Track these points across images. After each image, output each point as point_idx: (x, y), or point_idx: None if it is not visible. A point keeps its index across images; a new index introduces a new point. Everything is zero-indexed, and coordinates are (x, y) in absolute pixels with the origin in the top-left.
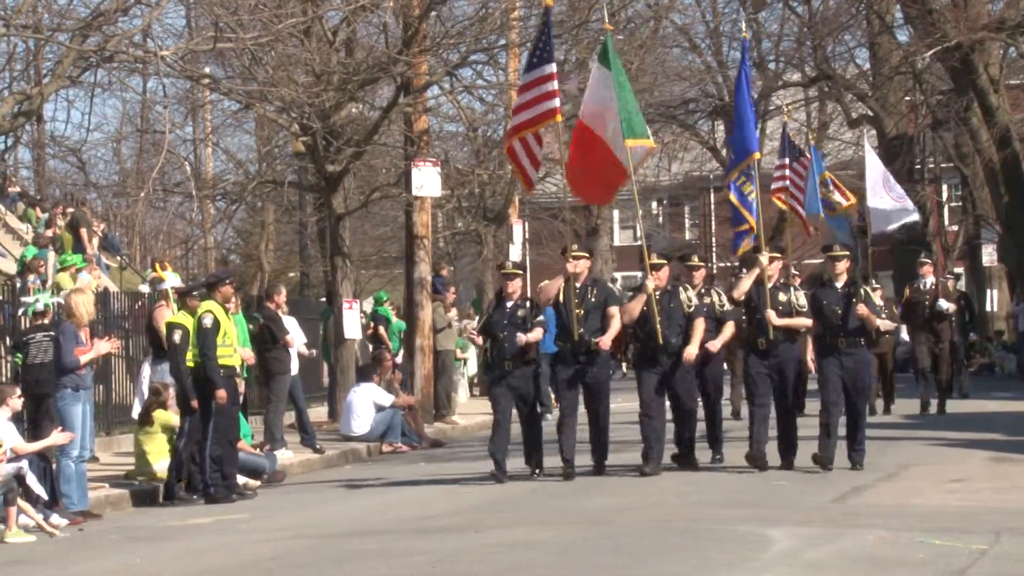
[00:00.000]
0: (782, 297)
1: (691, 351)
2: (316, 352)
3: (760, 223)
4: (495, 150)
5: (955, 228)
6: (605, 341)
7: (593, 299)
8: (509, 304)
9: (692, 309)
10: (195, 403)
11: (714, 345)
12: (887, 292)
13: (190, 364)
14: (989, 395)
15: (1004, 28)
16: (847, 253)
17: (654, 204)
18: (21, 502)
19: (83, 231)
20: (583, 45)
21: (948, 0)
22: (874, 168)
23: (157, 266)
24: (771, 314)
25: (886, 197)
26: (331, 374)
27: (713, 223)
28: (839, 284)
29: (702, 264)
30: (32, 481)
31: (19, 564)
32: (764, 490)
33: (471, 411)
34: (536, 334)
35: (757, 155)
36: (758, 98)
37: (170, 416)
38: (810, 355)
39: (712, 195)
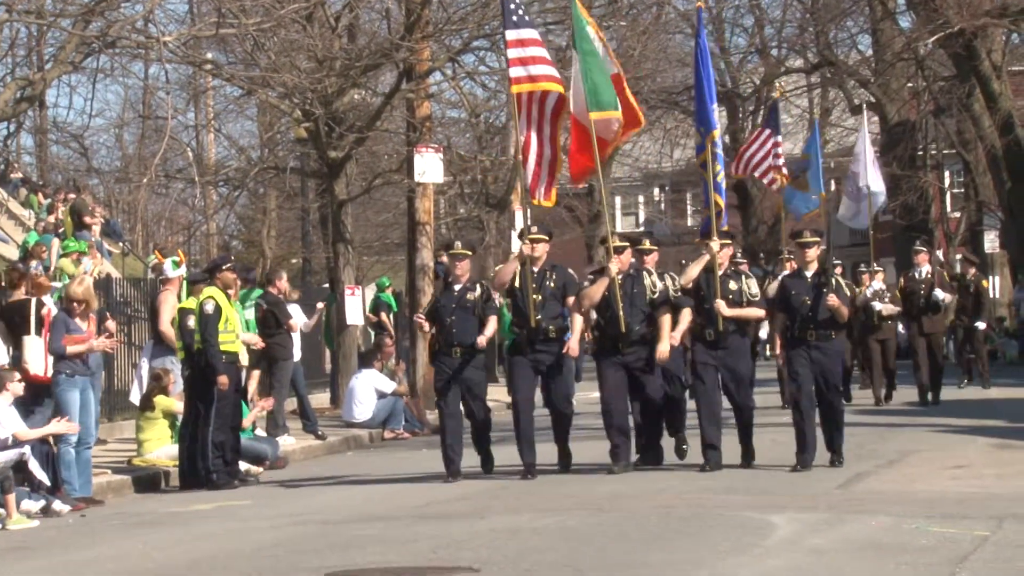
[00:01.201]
0: (733, 285)
1: (662, 349)
2: (317, 317)
3: (713, 205)
4: (497, 136)
5: (957, 215)
6: (573, 348)
7: (552, 285)
8: (457, 287)
9: (656, 295)
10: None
11: (674, 338)
12: (889, 278)
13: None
14: (991, 381)
15: (1007, 14)
16: (817, 240)
17: (656, 191)
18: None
19: (85, 217)
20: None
21: None
22: (866, 151)
23: (158, 253)
24: (720, 303)
25: (878, 179)
26: (333, 360)
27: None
28: (809, 273)
29: (654, 248)
30: (34, 467)
31: (21, 550)
32: (767, 477)
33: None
34: (492, 328)
35: (716, 133)
36: (760, 84)
37: (171, 402)
38: (779, 349)
39: None
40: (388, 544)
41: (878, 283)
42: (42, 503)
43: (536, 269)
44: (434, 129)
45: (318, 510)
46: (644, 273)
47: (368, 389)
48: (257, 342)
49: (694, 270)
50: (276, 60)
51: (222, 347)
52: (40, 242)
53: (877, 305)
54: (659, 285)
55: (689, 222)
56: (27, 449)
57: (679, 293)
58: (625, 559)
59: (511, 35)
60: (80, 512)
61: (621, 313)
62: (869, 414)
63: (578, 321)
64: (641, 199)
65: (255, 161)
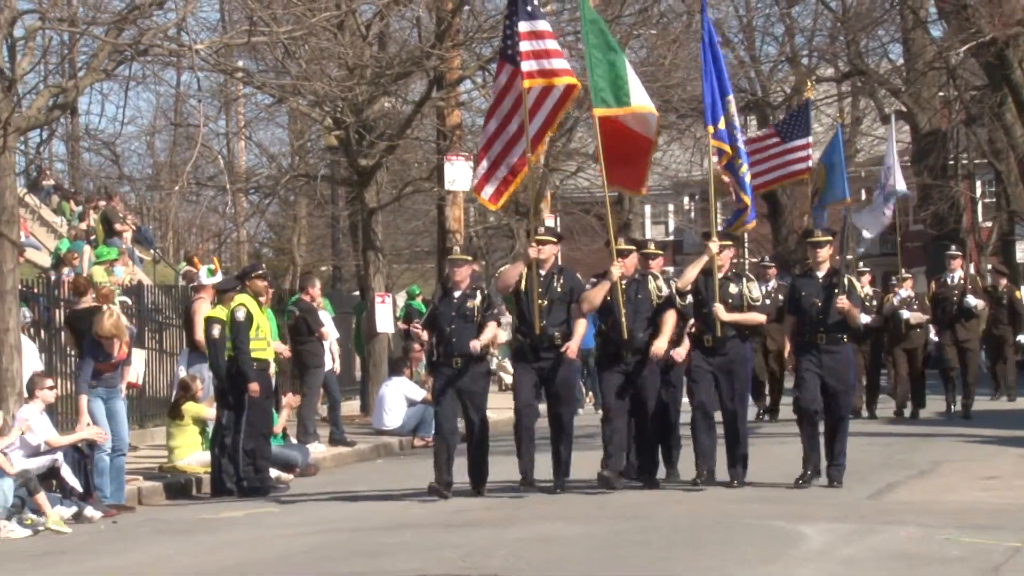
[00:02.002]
0: (733, 289)
1: (660, 345)
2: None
3: (713, 202)
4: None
5: (988, 224)
6: (572, 349)
7: (559, 289)
8: (456, 294)
9: (662, 300)
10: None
11: (679, 354)
12: (919, 287)
13: (227, 358)
14: (1021, 391)
15: None
16: (829, 239)
17: (686, 199)
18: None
19: (116, 224)
20: (615, 39)
21: None
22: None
23: (196, 260)
24: (718, 308)
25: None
26: (363, 368)
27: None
28: (820, 273)
29: (659, 252)
30: (67, 473)
31: (53, 555)
32: (798, 486)
33: (502, 405)
34: (489, 333)
35: (711, 129)
36: (790, 93)
37: (201, 408)
38: (787, 351)
39: None
40: (416, 552)
41: (906, 291)
42: (74, 509)
43: (543, 272)
44: (464, 137)
45: (347, 517)
46: (649, 278)
47: (398, 396)
48: (284, 351)
49: (692, 272)
50: (307, 68)
51: (253, 354)
52: (72, 249)
53: (905, 313)
54: (665, 291)
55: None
56: (60, 456)
57: (679, 299)
58: (652, 568)
59: (524, 27)
60: (112, 518)
61: (623, 319)
62: (901, 423)
63: (580, 325)
64: (671, 208)
65: (286, 169)
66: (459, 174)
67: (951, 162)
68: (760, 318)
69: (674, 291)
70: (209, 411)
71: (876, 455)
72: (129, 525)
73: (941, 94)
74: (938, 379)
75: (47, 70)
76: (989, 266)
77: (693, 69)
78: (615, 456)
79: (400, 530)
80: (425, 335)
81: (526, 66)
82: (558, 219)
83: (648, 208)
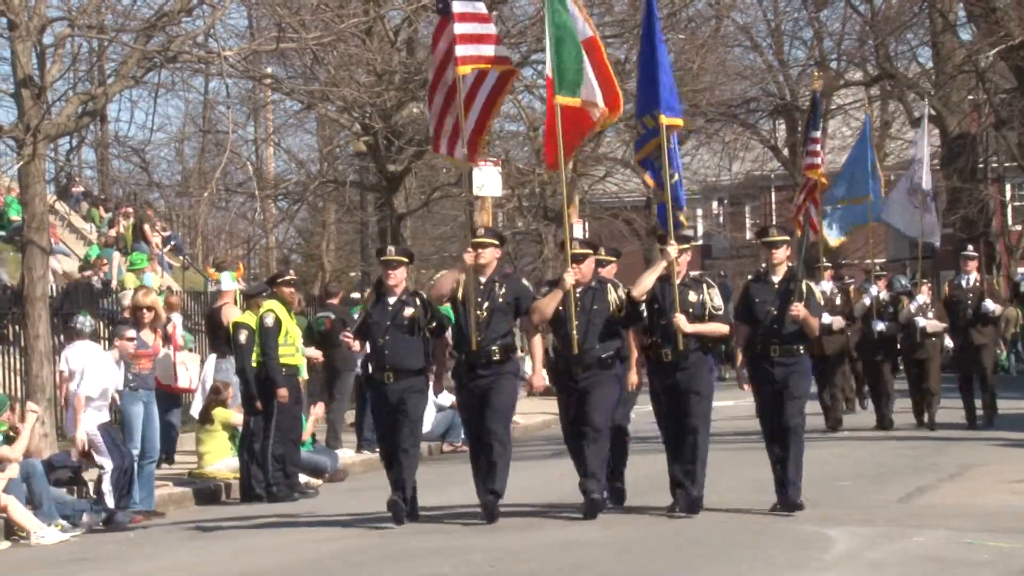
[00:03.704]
0: (693, 297)
1: (633, 380)
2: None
3: (669, 199)
4: None
5: (1019, 228)
6: (538, 385)
7: (500, 299)
8: (391, 300)
9: (624, 314)
10: (259, 404)
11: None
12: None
13: (254, 364)
14: None
15: None
16: (786, 239)
17: (715, 204)
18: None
19: (145, 225)
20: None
21: None
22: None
23: (211, 271)
24: (680, 319)
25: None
26: None
27: (774, 223)
28: (776, 278)
29: (611, 259)
30: (107, 487)
31: (82, 562)
32: (825, 490)
33: (531, 411)
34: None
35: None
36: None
37: (230, 414)
38: (740, 368)
39: (773, 195)
40: (444, 556)
41: (923, 296)
42: (104, 515)
43: (483, 279)
44: (493, 142)
45: (375, 522)
46: (609, 287)
47: (428, 403)
48: (317, 356)
49: (649, 279)
50: (335, 74)
51: (281, 360)
52: (101, 255)
53: (921, 321)
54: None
55: (748, 235)
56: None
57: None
58: (680, 572)
59: (460, 7)
60: (142, 524)
61: (574, 332)
62: (926, 426)
63: (538, 344)
64: (700, 212)
65: (314, 175)
66: (487, 179)
67: (980, 165)
68: (724, 329)
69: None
70: (238, 417)
71: (904, 459)
72: (159, 531)
73: (970, 97)
74: (952, 383)
75: (76, 77)
76: (1021, 269)
77: (720, 73)
78: (595, 478)
79: (429, 535)
80: (356, 345)
81: (460, 50)
82: (586, 224)
83: None
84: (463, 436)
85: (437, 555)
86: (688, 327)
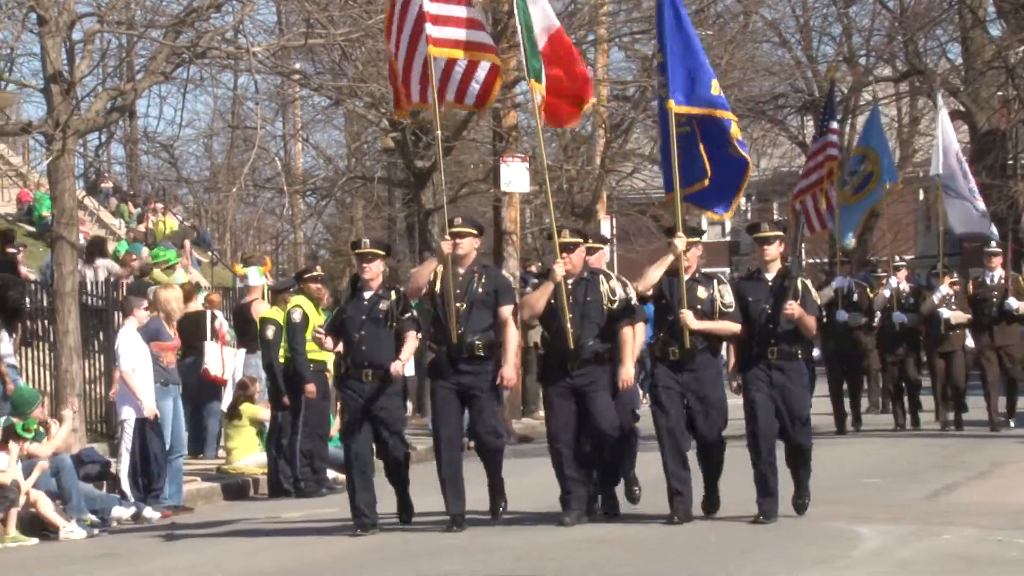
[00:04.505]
0: (702, 293)
1: (625, 376)
2: None
3: (678, 189)
4: (583, 146)
5: None
6: (508, 377)
7: (480, 290)
8: (367, 295)
9: (616, 305)
10: (286, 399)
11: (625, 381)
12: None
13: (282, 360)
14: None
15: None
16: (779, 234)
17: (743, 200)
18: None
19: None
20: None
21: None
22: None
23: (237, 267)
24: (687, 315)
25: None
26: (418, 369)
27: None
28: (769, 275)
29: (598, 246)
30: (123, 472)
31: (109, 557)
32: (854, 487)
33: None
34: (410, 348)
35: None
36: (848, 92)
37: (257, 410)
38: (731, 370)
39: None
40: (471, 553)
41: (945, 287)
42: (133, 510)
43: (461, 270)
44: (520, 138)
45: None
46: (601, 278)
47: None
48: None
49: (655, 273)
50: (364, 70)
51: (309, 355)
52: (130, 251)
53: (945, 312)
54: (619, 293)
55: None
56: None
57: (633, 302)
58: (708, 570)
59: None
60: (170, 519)
61: (569, 326)
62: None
63: (512, 337)
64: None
65: (342, 171)
66: (515, 175)
67: (1010, 162)
68: (734, 327)
69: (628, 294)
70: (265, 412)
71: (934, 456)
72: (187, 526)
73: (1000, 93)
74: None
75: (105, 73)
76: None
77: (749, 70)
78: (574, 492)
79: (453, 532)
80: (329, 342)
81: (434, 32)
82: (614, 220)
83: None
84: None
85: (464, 552)
86: (695, 324)
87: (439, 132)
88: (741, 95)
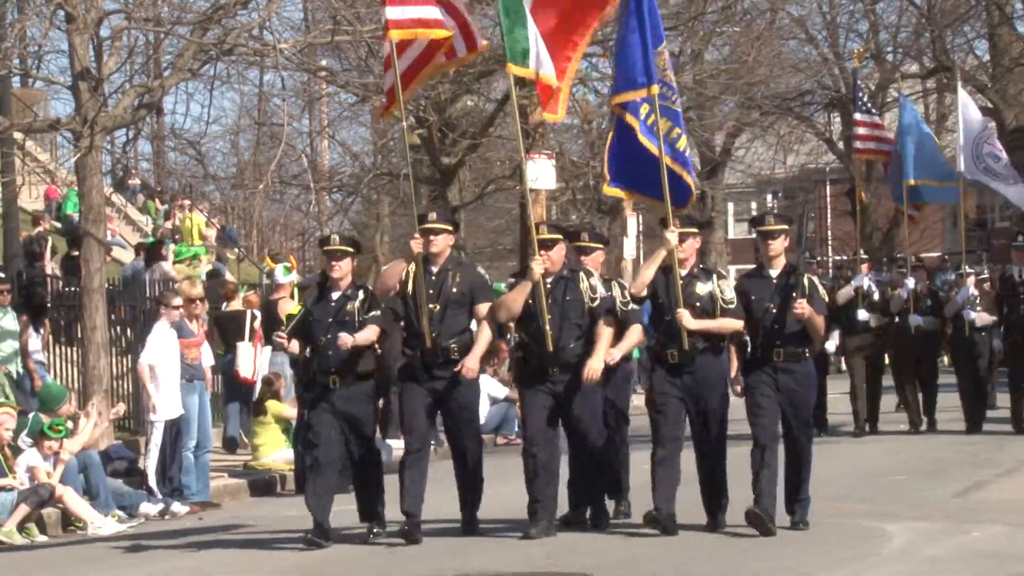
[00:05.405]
0: (701, 289)
1: (594, 365)
2: None
3: (666, 181)
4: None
5: None
6: (469, 367)
7: (455, 290)
8: (335, 295)
9: (596, 303)
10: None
11: (611, 355)
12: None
13: None
14: None
15: None
16: (784, 227)
17: (769, 196)
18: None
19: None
20: (699, 37)
21: None
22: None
23: (269, 260)
24: (684, 314)
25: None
26: None
27: (829, 216)
28: (774, 272)
29: (597, 246)
30: (150, 468)
31: (135, 552)
32: (881, 485)
33: None
34: (369, 333)
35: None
36: (875, 89)
37: (283, 407)
38: (734, 371)
39: (828, 188)
40: (502, 549)
41: (970, 288)
42: (160, 506)
43: (435, 269)
44: (547, 135)
45: (431, 514)
46: (581, 276)
47: (483, 396)
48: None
49: (648, 271)
50: None
51: None
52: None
53: (971, 314)
54: (600, 291)
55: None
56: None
57: (629, 305)
58: (737, 567)
59: None
60: (197, 515)
61: (548, 327)
62: (987, 421)
63: (484, 335)
64: (754, 205)
65: (368, 167)
66: (541, 172)
67: None
68: (736, 324)
69: (619, 294)
70: (291, 411)
71: (961, 454)
72: (214, 522)
73: None
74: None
75: (133, 70)
76: None
77: (776, 66)
78: (543, 501)
79: (485, 527)
80: (295, 346)
81: (392, 13)
82: (640, 217)
83: (731, 206)
84: (517, 429)
85: (495, 547)
86: (693, 323)
87: (405, 125)
88: (768, 92)
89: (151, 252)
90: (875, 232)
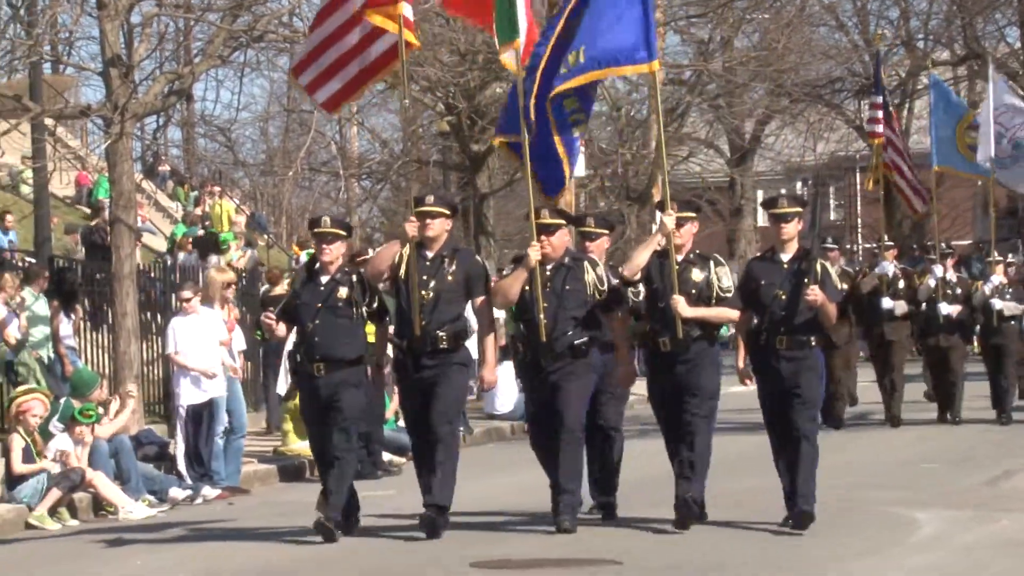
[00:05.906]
0: (697, 276)
1: (625, 376)
2: None
3: (664, 159)
4: (638, 130)
5: None
6: (488, 376)
7: (450, 278)
8: (324, 279)
9: (604, 294)
10: None
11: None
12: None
13: None
14: None
15: None
16: (798, 210)
17: (799, 184)
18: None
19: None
20: (728, 24)
21: None
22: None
23: (296, 248)
24: (679, 301)
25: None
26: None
27: (859, 204)
28: (785, 257)
29: (603, 231)
30: (180, 453)
31: (165, 537)
32: (914, 473)
33: None
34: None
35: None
36: (906, 76)
37: None
38: (741, 361)
39: (858, 175)
40: (530, 536)
41: (998, 276)
42: (190, 491)
43: (430, 254)
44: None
45: (461, 501)
46: (586, 266)
47: (510, 381)
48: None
49: (642, 255)
50: (419, 54)
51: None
52: (187, 234)
53: (998, 303)
54: (608, 282)
55: (832, 216)
56: (179, 444)
57: (627, 287)
58: (766, 555)
59: None
60: (228, 500)
61: (542, 316)
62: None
63: (490, 339)
64: (783, 192)
65: (398, 154)
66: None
67: None
68: (732, 314)
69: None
70: None
71: (992, 442)
72: (244, 507)
73: None
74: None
75: (163, 57)
76: None
77: (806, 53)
78: (566, 494)
79: (514, 515)
80: (282, 329)
81: None
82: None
83: (760, 193)
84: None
85: (523, 535)
86: (688, 311)
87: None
88: (798, 79)
89: (204, 246)
90: (904, 220)
